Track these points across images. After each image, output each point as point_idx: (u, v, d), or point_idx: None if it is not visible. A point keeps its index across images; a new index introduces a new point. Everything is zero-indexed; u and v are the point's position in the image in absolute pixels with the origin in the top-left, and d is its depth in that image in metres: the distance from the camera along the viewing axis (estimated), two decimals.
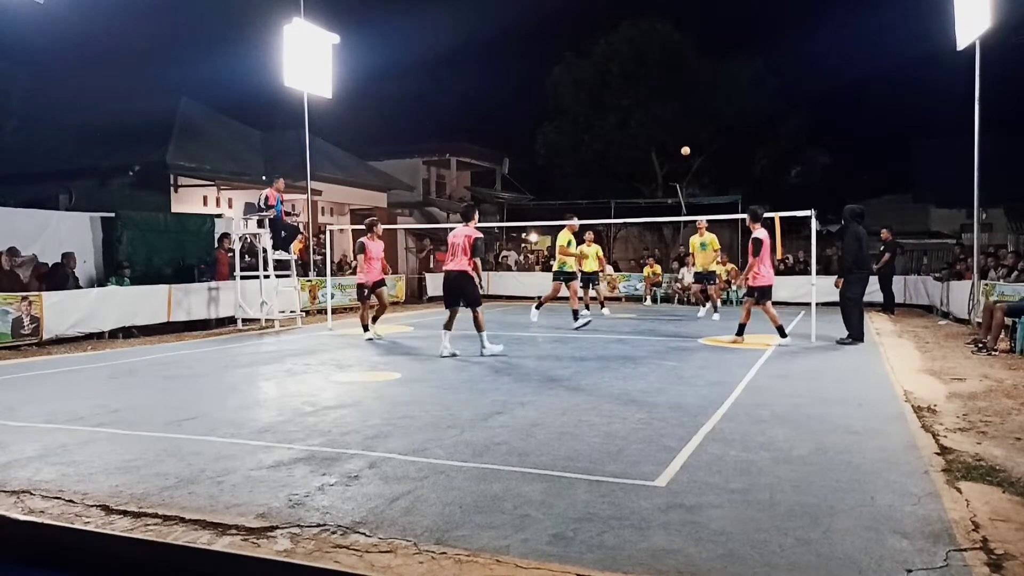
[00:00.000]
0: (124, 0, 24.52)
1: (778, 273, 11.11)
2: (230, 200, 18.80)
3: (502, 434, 4.82)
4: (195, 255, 13.92)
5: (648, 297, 18.01)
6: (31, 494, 3.73)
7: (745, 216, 10.11)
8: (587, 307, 13.04)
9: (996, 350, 8.67)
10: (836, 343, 9.51)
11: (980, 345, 8.84)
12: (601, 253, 14.65)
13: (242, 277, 12.82)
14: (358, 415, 5.53)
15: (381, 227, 10.99)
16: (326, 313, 13.25)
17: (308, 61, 16.35)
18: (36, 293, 10.31)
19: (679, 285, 17.76)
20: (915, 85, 32.75)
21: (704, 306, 14.36)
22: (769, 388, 6.51)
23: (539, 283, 18.70)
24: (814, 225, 10.45)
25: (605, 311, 13.87)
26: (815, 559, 2.83)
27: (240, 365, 8.44)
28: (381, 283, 10.66)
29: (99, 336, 11.01)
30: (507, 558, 2.85)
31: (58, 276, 11.29)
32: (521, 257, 22.96)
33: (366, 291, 10.55)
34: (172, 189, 17.41)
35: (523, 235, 26.65)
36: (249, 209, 12.82)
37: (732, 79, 24.91)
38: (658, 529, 3.13)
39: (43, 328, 10.11)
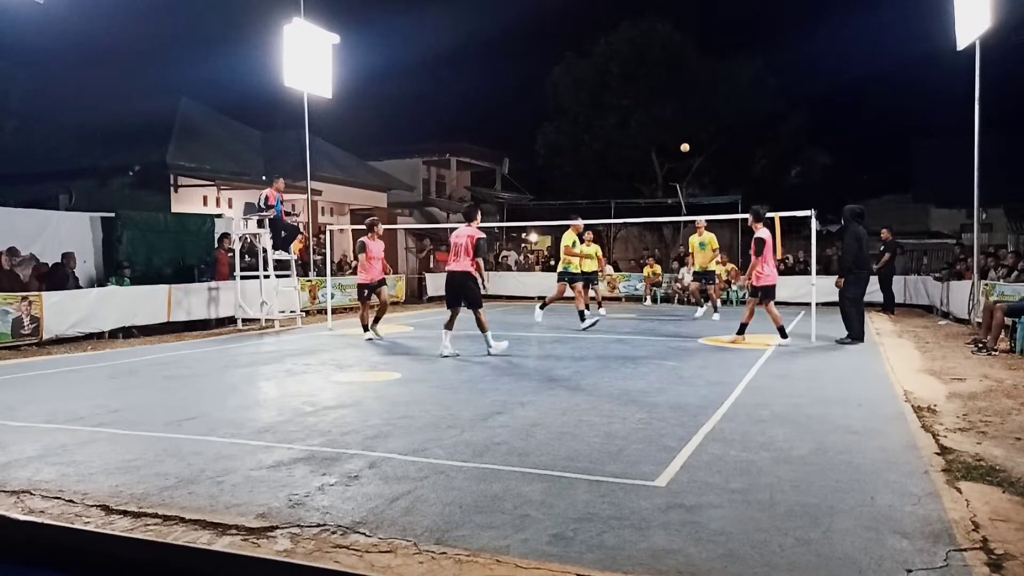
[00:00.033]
0: (124, 0, 24.54)
1: (779, 273, 11.08)
2: (230, 200, 18.80)
3: (502, 434, 4.82)
4: (195, 255, 13.91)
5: (648, 297, 18.00)
6: (31, 494, 3.73)
7: (745, 216, 10.12)
8: (587, 307, 13.02)
9: (996, 350, 8.67)
10: (836, 343, 9.52)
11: (980, 345, 8.84)
12: (600, 253, 14.65)
13: (242, 277, 12.81)
14: (358, 415, 5.53)
15: (381, 227, 10.99)
16: (326, 313, 13.25)
17: (308, 61, 16.35)
18: (36, 293, 10.31)
19: (679, 285, 17.75)
20: (915, 85, 32.79)
21: (702, 306, 14.35)
22: (769, 388, 6.51)
23: (539, 283, 18.72)
24: (814, 225, 10.46)
25: (602, 311, 13.87)
26: (815, 559, 2.83)
27: (240, 365, 8.44)
28: (382, 283, 10.67)
29: (99, 336, 11.00)
30: (507, 558, 2.85)
31: (58, 276, 11.29)
32: (521, 257, 22.96)
33: (367, 291, 10.56)
34: (172, 189, 17.41)
35: (523, 235, 26.66)
36: (249, 209, 12.81)
37: (732, 79, 24.90)
38: (658, 529, 3.13)
39: (43, 328, 10.11)
